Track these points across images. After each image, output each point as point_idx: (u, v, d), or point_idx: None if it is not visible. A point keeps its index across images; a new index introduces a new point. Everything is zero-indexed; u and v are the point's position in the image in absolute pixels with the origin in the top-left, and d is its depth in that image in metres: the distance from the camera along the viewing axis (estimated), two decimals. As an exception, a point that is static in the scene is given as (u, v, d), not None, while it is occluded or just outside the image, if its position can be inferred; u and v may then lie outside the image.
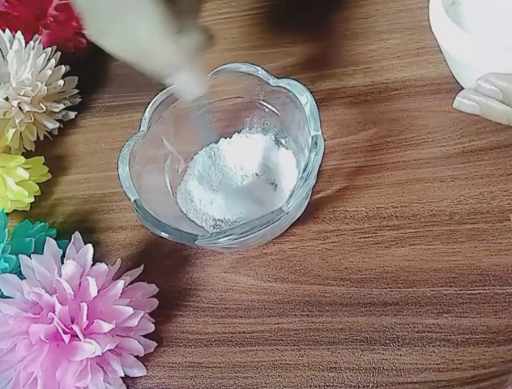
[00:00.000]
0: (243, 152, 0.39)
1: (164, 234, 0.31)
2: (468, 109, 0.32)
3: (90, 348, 0.30)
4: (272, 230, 0.32)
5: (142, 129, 0.36)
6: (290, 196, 0.30)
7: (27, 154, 0.46)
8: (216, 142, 0.40)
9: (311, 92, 0.32)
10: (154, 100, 0.36)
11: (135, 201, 0.32)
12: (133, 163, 0.34)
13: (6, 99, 0.43)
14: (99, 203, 0.43)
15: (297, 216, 0.35)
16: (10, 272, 0.34)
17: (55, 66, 0.46)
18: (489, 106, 0.31)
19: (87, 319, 0.30)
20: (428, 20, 0.33)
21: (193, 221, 0.37)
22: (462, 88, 0.33)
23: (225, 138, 0.40)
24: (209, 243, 0.30)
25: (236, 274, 0.36)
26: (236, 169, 0.38)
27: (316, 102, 0.32)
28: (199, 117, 0.38)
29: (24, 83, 0.43)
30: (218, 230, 0.36)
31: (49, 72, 0.45)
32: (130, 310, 0.31)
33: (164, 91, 0.36)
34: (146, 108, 0.36)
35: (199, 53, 0.28)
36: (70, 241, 0.35)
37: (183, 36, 0.27)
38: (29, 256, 0.34)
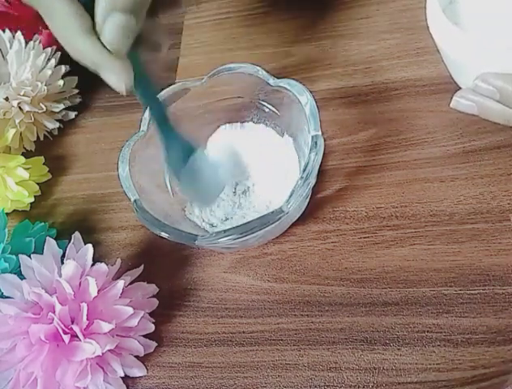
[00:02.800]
0: (242, 148, 0.39)
1: (164, 234, 0.31)
2: (466, 108, 0.32)
3: (90, 348, 0.30)
4: (272, 230, 0.32)
5: (142, 129, 0.36)
6: (290, 196, 0.30)
7: (27, 154, 0.46)
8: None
9: (311, 92, 0.32)
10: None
11: (135, 201, 0.32)
12: (133, 163, 0.34)
13: (6, 99, 0.43)
14: (99, 203, 0.43)
15: (297, 216, 0.35)
16: (10, 272, 0.34)
17: (55, 66, 0.46)
18: (487, 106, 0.31)
19: (87, 319, 0.30)
20: (425, 19, 0.33)
21: (193, 221, 0.37)
22: (460, 88, 0.33)
23: (218, 135, 0.40)
24: (209, 243, 0.30)
25: (236, 274, 0.36)
26: (233, 172, 0.38)
27: (316, 102, 0.32)
28: (198, 117, 0.38)
29: (24, 83, 0.43)
30: (218, 230, 0.36)
31: (49, 72, 0.45)
32: (130, 310, 0.31)
33: (164, 91, 0.36)
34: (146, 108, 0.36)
35: (119, 56, 0.28)
36: (70, 241, 0.35)
37: (98, 36, 0.27)
38: (29, 256, 0.34)
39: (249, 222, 0.30)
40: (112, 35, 0.27)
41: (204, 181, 0.36)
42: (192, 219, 0.37)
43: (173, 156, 0.34)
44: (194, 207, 0.38)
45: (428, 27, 0.32)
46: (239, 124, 0.40)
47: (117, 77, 0.28)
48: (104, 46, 0.27)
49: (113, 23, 0.26)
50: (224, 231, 0.30)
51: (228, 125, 0.40)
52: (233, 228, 0.30)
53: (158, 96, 0.32)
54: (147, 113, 0.36)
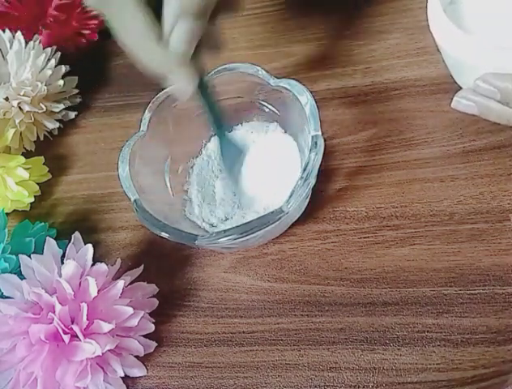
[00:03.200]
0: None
1: (164, 234, 0.31)
2: (466, 108, 0.32)
3: (90, 348, 0.30)
4: (272, 230, 0.32)
5: (142, 129, 0.36)
6: (290, 196, 0.30)
7: (27, 154, 0.46)
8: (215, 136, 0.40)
9: (311, 92, 0.32)
10: (154, 100, 0.36)
11: (135, 201, 0.32)
12: (133, 163, 0.34)
13: (6, 99, 0.43)
14: (99, 203, 0.43)
15: (297, 216, 0.35)
16: (10, 272, 0.34)
17: (55, 66, 0.46)
18: (487, 106, 0.31)
19: (87, 319, 0.30)
20: (426, 19, 0.33)
21: (193, 221, 0.37)
22: (461, 88, 0.33)
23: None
24: (209, 243, 0.30)
25: (236, 274, 0.36)
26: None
27: (316, 102, 0.32)
28: (199, 116, 0.38)
29: (24, 83, 0.43)
30: (218, 230, 0.36)
31: (49, 72, 0.45)
32: (130, 310, 0.31)
33: (164, 91, 0.36)
34: (146, 108, 0.36)
35: (186, 61, 0.28)
36: (70, 241, 0.35)
37: (167, 43, 0.27)
38: (29, 256, 0.34)
39: (249, 222, 0.30)
40: (180, 41, 0.27)
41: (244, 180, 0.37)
42: (192, 219, 0.37)
43: (228, 154, 0.37)
44: (193, 207, 0.38)
45: (428, 27, 0.32)
46: (239, 125, 0.40)
47: (183, 84, 0.29)
48: (171, 52, 0.28)
49: (181, 29, 0.27)
50: (224, 231, 0.30)
51: (227, 126, 0.40)
52: (233, 228, 0.30)
53: (215, 101, 0.34)
54: (146, 113, 0.36)
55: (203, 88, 0.32)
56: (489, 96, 0.30)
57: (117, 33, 0.28)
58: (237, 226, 0.30)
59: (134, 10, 0.26)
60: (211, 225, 0.37)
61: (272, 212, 0.29)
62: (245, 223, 0.30)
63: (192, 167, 0.40)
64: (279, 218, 0.29)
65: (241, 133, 0.39)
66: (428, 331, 0.31)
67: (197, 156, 0.40)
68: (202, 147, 0.40)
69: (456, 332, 0.30)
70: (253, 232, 0.30)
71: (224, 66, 0.36)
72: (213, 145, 0.40)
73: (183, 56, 0.28)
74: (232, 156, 0.37)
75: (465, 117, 0.36)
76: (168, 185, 0.38)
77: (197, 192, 0.38)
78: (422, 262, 0.33)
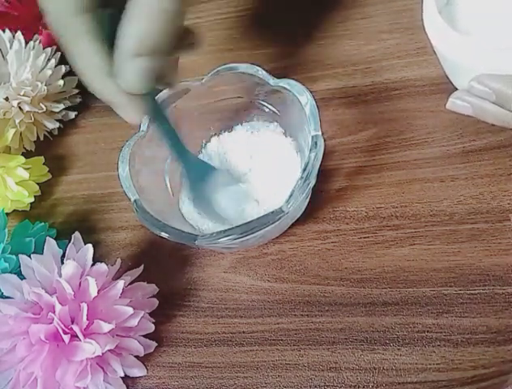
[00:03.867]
0: (240, 149, 0.39)
1: (164, 234, 0.31)
2: (461, 109, 0.32)
3: (90, 348, 0.30)
4: (272, 230, 0.32)
5: (142, 129, 0.36)
6: (290, 196, 0.30)
7: (27, 154, 0.46)
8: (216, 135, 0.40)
9: (311, 92, 0.32)
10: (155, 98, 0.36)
11: (135, 201, 0.32)
12: (133, 163, 0.34)
13: (6, 99, 0.43)
14: (99, 203, 0.43)
15: (297, 216, 0.35)
16: (10, 272, 0.34)
17: (55, 66, 0.46)
18: (482, 107, 0.31)
19: (87, 319, 0.30)
20: (422, 21, 0.33)
21: (191, 222, 0.37)
22: (456, 89, 0.33)
23: (218, 136, 0.40)
24: (209, 243, 0.30)
25: (236, 274, 0.36)
26: (234, 169, 0.38)
27: (316, 102, 0.32)
28: (198, 117, 0.38)
29: (24, 83, 0.43)
30: (218, 230, 0.36)
31: (49, 72, 0.45)
32: (130, 310, 0.31)
33: (164, 91, 0.36)
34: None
35: (135, 97, 0.28)
36: (70, 241, 0.35)
37: (115, 78, 0.27)
38: (29, 256, 0.34)
39: (249, 222, 0.30)
40: (134, 80, 0.26)
41: (222, 201, 0.36)
42: (192, 220, 0.37)
43: (194, 178, 0.36)
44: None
45: (424, 28, 0.32)
46: (239, 125, 0.40)
47: (129, 117, 0.29)
48: (120, 88, 0.27)
49: (137, 66, 0.26)
50: (224, 231, 0.30)
51: (227, 126, 0.40)
52: (233, 228, 0.30)
53: (172, 127, 0.33)
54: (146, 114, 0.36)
55: (157, 116, 0.32)
56: (484, 98, 0.30)
57: (68, 58, 0.28)
58: (237, 226, 0.30)
59: (88, 43, 0.26)
60: (210, 225, 0.37)
61: (272, 212, 0.29)
62: (245, 223, 0.30)
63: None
64: (279, 218, 0.29)
65: (241, 133, 0.39)
66: (428, 331, 0.31)
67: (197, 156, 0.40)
68: (202, 147, 0.40)
69: (456, 332, 0.30)
70: (253, 233, 0.30)
71: (223, 66, 0.36)
72: (213, 145, 0.40)
73: (134, 93, 0.27)
74: (200, 179, 0.36)
75: (465, 117, 0.36)
76: (168, 185, 0.38)
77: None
78: (422, 262, 0.33)
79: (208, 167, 0.37)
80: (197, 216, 0.37)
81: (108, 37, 0.26)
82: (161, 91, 0.35)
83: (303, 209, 0.35)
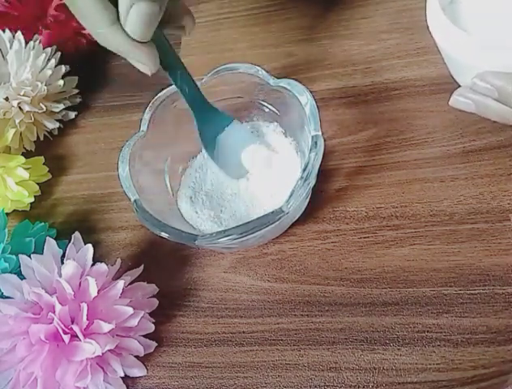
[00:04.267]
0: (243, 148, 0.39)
1: (164, 234, 0.31)
2: (464, 106, 0.32)
3: (90, 348, 0.30)
4: (272, 230, 0.32)
5: (142, 129, 0.36)
6: (290, 196, 0.30)
7: (27, 154, 0.46)
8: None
9: (311, 92, 0.32)
10: (154, 99, 0.36)
11: (135, 201, 0.32)
12: (133, 163, 0.34)
13: (6, 99, 0.43)
14: (99, 203, 0.43)
15: (297, 216, 0.35)
16: (10, 272, 0.34)
17: (55, 66, 0.46)
18: (485, 104, 0.31)
19: (87, 319, 0.30)
20: (425, 19, 0.33)
21: (191, 222, 0.37)
22: (460, 87, 0.33)
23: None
24: (209, 243, 0.30)
25: (236, 274, 0.36)
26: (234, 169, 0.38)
27: (316, 102, 0.32)
28: None
29: (24, 83, 0.43)
30: (218, 230, 0.36)
31: (49, 72, 0.45)
32: (130, 310, 0.31)
33: (164, 91, 0.36)
34: (146, 108, 0.36)
35: (144, 43, 0.28)
36: (70, 241, 0.35)
37: (121, 25, 0.27)
38: (29, 256, 0.34)
39: (249, 222, 0.30)
40: (135, 25, 0.27)
41: (238, 152, 0.37)
42: (191, 220, 0.37)
43: (207, 129, 0.36)
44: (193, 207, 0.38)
45: (427, 26, 0.32)
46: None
47: (142, 64, 0.29)
48: (127, 35, 0.27)
49: (136, 12, 0.26)
50: (224, 231, 0.30)
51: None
52: (233, 228, 0.30)
53: (186, 71, 0.33)
54: (146, 113, 0.36)
55: (171, 66, 0.32)
56: (487, 95, 0.30)
57: (75, 13, 0.28)
58: (237, 226, 0.30)
59: None
60: (210, 225, 0.37)
61: (272, 212, 0.29)
62: (245, 223, 0.30)
63: (192, 167, 0.40)
64: (279, 218, 0.29)
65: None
66: (428, 331, 0.31)
67: (197, 156, 0.40)
68: (202, 148, 0.40)
69: (456, 332, 0.30)
70: (253, 233, 0.29)
71: (224, 66, 0.36)
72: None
73: (139, 39, 0.28)
74: (212, 133, 0.36)
75: (465, 117, 0.36)
76: (168, 185, 0.38)
77: (195, 192, 0.38)
78: (422, 262, 0.33)
79: (225, 117, 0.36)
80: (195, 216, 0.37)
81: None
82: (174, 35, 0.34)
83: (303, 209, 0.35)
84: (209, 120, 0.35)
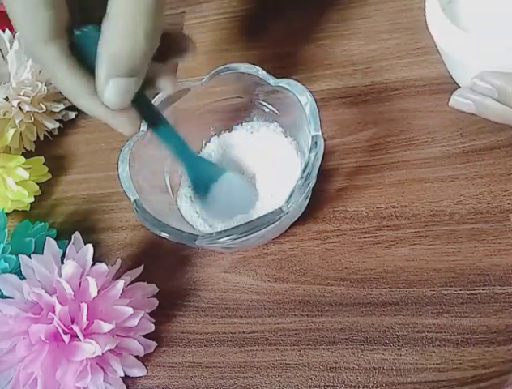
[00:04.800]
0: (240, 150, 0.39)
1: (164, 234, 0.31)
2: (464, 107, 0.32)
3: (90, 348, 0.30)
4: (272, 230, 0.32)
5: (142, 129, 0.36)
6: (290, 196, 0.30)
7: (27, 154, 0.46)
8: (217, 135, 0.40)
9: (311, 92, 0.32)
10: (154, 99, 0.36)
11: (135, 201, 0.32)
12: (133, 163, 0.34)
13: (6, 99, 0.43)
14: (99, 203, 0.43)
15: (297, 216, 0.35)
16: (10, 272, 0.34)
17: (55, 66, 0.45)
18: (485, 105, 0.31)
19: (87, 319, 0.30)
20: (425, 19, 0.33)
21: (191, 223, 0.37)
22: (459, 87, 0.33)
23: (218, 136, 0.40)
24: (209, 243, 0.30)
25: (236, 274, 0.36)
26: (234, 169, 0.38)
27: (316, 102, 0.32)
28: (199, 117, 0.38)
29: (24, 83, 0.43)
30: (218, 230, 0.36)
31: (49, 72, 0.44)
32: (130, 310, 0.31)
33: (163, 92, 0.36)
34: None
35: (123, 110, 0.28)
36: (70, 241, 0.35)
37: (99, 97, 0.27)
38: (29, 256, 0.34)
39: (249, 222, 0.30)
40: (113, 98, 0.27)
41: (230, 201, 0.36)
42: (191, 220, 0.37)
43: (199, 181, 0.36)
44: (192, 207, 0.38)
45: (427, 26, 0.32)
46: (239, 125, 0.40)
47: (123, 130, 0.29)
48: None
49: (113, 87, 0.26)
50: (224, 231, 0.30)
51: (227, 126, 0.40)
52: (233, 228, 0.30)
53: (171, 128, 0.33)
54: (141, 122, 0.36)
55: (154, 121, 0.32)
56: (487, 95, 0.30)
57: (52, 81, 0.28)
58: (237, 226, 0.30)
59: (66, 67, 0.26)
60: (210, 226, 0.37)
61: (272, 212, 0.29)
62: (245, 223, 0.30)
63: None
64: (279, 218, 0.29)
65: (241, 133, 0.39)
66: (428, 331, 0.31)
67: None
68: (202, 147, 0.40)
69: (456, 332, 0.30)
70: (253, 233, 0.29)
71: (223, 66, 0.36)
72: (213, 145, 0.40)
73: (118, 109, 0.27)
74: (205, 182, 0.36)
75: (465, 117, 0.36)
76: (168, 185, 0.38)
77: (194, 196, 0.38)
78: (422, 262, 0.33)
79: (213, 167, 0.36)
80: (195, 216, 0.37)
81: (91, 55, 0.26)
82: (156, 94, 0.35)
83: (303, 209, 0.35)
84: (201, 171, 0.35)
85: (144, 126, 0.36)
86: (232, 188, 0.36)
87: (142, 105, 0.30)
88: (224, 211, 0.36)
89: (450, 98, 0.32)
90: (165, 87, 0.31)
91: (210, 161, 0.37)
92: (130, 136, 0.29)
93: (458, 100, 0.32)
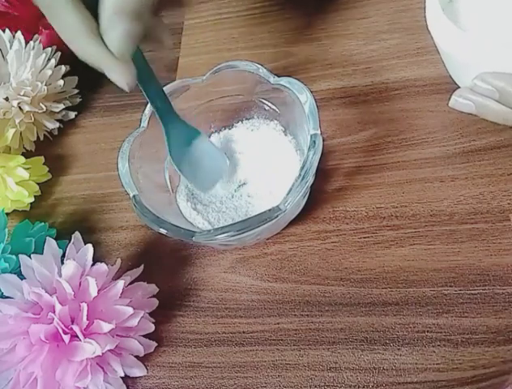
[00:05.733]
0: (243, 146, 0.39)
1: (162, 230, 0.31)
2: (464, 108, 0.32)
3: (90, 348, 0.30)
4: (270, 228, 0.32)
5: (142, 125, 0.36)
6: (287, 194, 0.30)
7: (27, 154, 0.46)
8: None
9: (311, 92, 0.32)
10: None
11: (134, 197, 0.32)
12: (132, 159, 0.34)
13: (6, 99, 0.43)
14: (99, 203, 0.43)
15: (295, 214, 0.35)
16: (10, 272, 0.34)
17: (55, 66, 0.46)
18: (485, 105, 0.31)
19: (87, 319, 0.30)
20: (425, 19, 0.33)
21: (190, 220, 0.37)
22: (459, 87, 0.33)
23: (218, 133, 0.40)
24: (206, 239, 0.30)
25: (236, 274, 0.36)
26: (233, 167, 0.38)
27: (316, 102, 0.32)
28: (199, 114, 0.38)
29: (24, 83, 0.43)
30: (215, 227, 0.36)
31: (49, 72, 0.45)
32: (130, 310, 0.31)
33: (165, 88, 0.36)
34: (147, 104, 0.36)
35: (123, 58, 0.28)
36: (70, 241, 0.35)
37: (103, 38, 0.27)
38: (29, 256, 0.34)
39: (246, 219, 0.30)
40: (118, 42, 0.27)
41: (205, 166, 0.37)
42: (190, 218, 0.37)
43: (175, 142, 0.36)
44: (191, 204, 0.38)
45: (427, 26, 0.32)
46: (239, 122, 0.40)
47: (120, 78, 0.29)
48: (108, 48, 0.27)
49: (118, 30, 0.26)
50: (222, 228, 0.30)
51: (227, 124, 0.40)
52: (231, 225, 0.30)
53: (160, 85, 0.33)
54: (147, 110, 0.36)
55: (145, 80, 0.32)
56: (487, 96, 0.30)
57: (55, 27, 0.28)
58: (235, 223, 0.30)
59: (72, 10, 0.26)
60: (208, 222, 0.37)
61: (270, 210, 0.29)
62: (243, 220, 0.30)
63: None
64: (277, 216, 0.29)
65: (241, 130, 0.39)
66: (428, 331, 0.31)
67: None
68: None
69: (456, 332, 0.30)
70: (250, 230, 0.29)
71: (224, 64, 0.36)
72: (213, 142, 0.40)
73: (120, 56, 0.28)
74: (181, 146, 0.36)
75: (465, 117, 0.36)
76: (168, 182, 0.38)
77: (194, 190, 0.38)
78: (422, 262, 0.33)
79: (193, 131, 0.37)
80: (194, 213, 0.37)
81: (91, 2, 0.26)
82: (149, 51, 0.34)
83: (301, 208, 0.35)
84: (178, 133, 0.36)
85: (145, 122, 0.36)
86: (203, 154, 0.37)
87: (137, 60, 0.30)
88: (201, 178, 0.37)
89: (450, 98, 0.32)
90: (165, 40, 0.31)
91: (189, 125, 0.37)
92: (124, 88, 0.29)
93: (458, 101, 0.32)
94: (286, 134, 0.38)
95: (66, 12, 0.26)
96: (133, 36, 0.27)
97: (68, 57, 0.47)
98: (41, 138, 0.47)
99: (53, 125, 0.46)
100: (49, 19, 0.28)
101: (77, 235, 0.35)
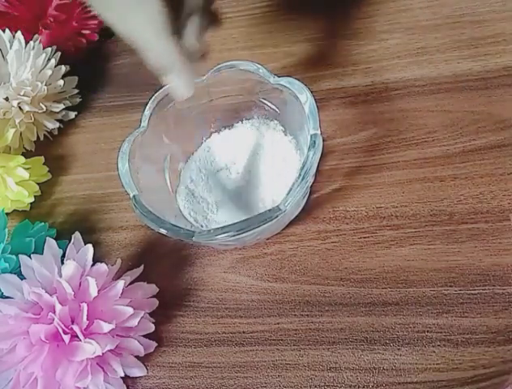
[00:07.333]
0: (240, 147, 0.39)
1: (162, 230, 0.31)
2: None
3: (90, 349, 0.30)
4: (270, 228, 0.32)
5: (142, 125, 0.36)
6: (287, 194, 0.30)
7: (27, 154, 0.46)
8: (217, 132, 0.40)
9: (311, 92, 0.32)
10: (155, 96, 0.36)
11: (134, 196, 0.32)
12: (133, 159, 0.34)
13: (6, 99, 0.43)
14: (99, 203, 0.43)
15: (295, 214, 0.35)
16: (10, 272, 0.34)
17: (55, 66, 0.46)
18: None
19: (87, 319, 0.30)
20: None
21: (191, 218, 0.37)
22: None
23: (218, 133, 0.40)
24: (206, 239, 0.30)
25: (236, 274, 0.36)
26: (232, 168, 0.38)
27: (316, 102, 0.32)
28: (199, 114, 0.38)
29: (24, 83, 0.43)
30: (215, 227, 0.36)
31: (49, 72, 0.45)
32: (130, 310, 0.31)
33: (165, 88, 0.36)
34: (146, 104, 0.36)
35: (193, 59, 0.29)
36: (70, 241, 0.35)
37: (178, 39, 0.28)
38: (29, 256, 0.34)
39: (246, 219, 0.29)
40: (193, 37, 0.28)
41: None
42: (190, 218, 0.37)
43: None
44: (191, 204, 0.38)
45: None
46: (239, 122, 0.40)
47: (184, 82, 0.29)
48: (183, 46, 0.28)
49: (192, 25, 0.28)
50: (222, 228, 0.30)
51: (228, 124, 0.40)
52: (231, 224, 0.30)
53: None
54: (147, 110, 0.36)
55: None
56: None
57: (123, 29, 0.28)
58: (234, 223, 0.30)
59: (152, 4, 0.26)
60: (208, 222, 0.37)
61: (270, 210, 0.29)
62: (243, 220, 0.30)
63: (191, 164, 0.40)
64: (277, 216, 0.29)
65: (241, 130, 0.39)
66: (428, 331, 0.31)
67: (196, 154, 0.40)
68: (202, 144, 0.40)
69: (456, 332, 0.30)
70: (250, 230, 0.29)
71: (224, 64, 0.36)
72: (213, 142, 0.40)
73: (195, 52, 0.29)
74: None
75: (465, 117, 0.37)
76: (168, 182, 0.38)
77: (194, 190, 0.38)
78: (422, 262, 0.33)
79: None
80: (193, 213, 0.37)
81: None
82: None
83: (301, 208, 0.35)
84: None
85: (145, 122, 0.36)
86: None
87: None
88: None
89: (451, 99, 0.32)
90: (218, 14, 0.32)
91: None
92: (178, 97, 0.30)
93: None
94: (286, 134, 0.38)
95: (151, 7, 0.26)
96: (202, 28, 0.29)
97: (68, 57, 0.48)
98: (41, 138, 0.47)
99: (53, 125, 0.46)
100: (116, 21, 0.28)
101: (77, 235, 0.35)
